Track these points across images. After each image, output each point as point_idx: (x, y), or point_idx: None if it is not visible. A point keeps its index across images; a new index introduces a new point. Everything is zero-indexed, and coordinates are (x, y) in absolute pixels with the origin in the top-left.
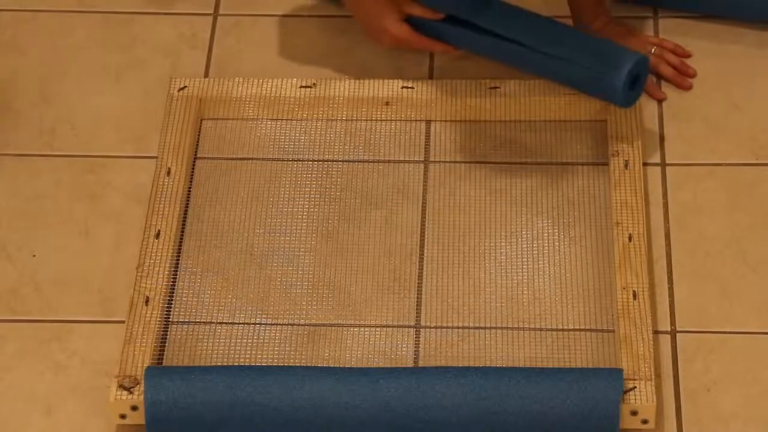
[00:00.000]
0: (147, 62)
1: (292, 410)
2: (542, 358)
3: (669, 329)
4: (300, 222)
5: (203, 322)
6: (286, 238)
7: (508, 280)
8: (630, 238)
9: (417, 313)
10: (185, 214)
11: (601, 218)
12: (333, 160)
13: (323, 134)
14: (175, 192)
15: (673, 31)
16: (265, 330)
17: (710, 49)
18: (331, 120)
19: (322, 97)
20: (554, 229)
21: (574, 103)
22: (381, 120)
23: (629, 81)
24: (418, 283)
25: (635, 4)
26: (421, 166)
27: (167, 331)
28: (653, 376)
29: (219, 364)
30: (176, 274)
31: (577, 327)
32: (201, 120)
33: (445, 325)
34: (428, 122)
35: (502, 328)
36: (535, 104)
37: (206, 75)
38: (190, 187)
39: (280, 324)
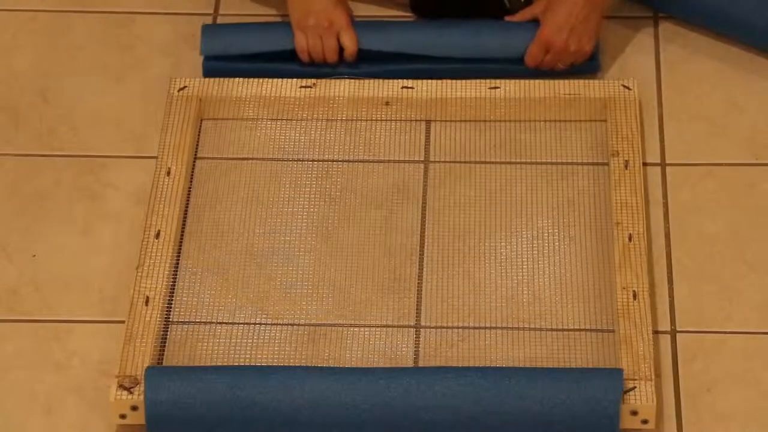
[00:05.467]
0: (147, 62)
1: (292, 410)
2: (542, 358)
3: (669, 329)
4: (300, 222)
5: (203, 322)
6: (286, 238)
7: (508, 280)
8: (630, 238)
9: (417, 313)
10: (185, 214)
11: (601, 218)
12: (333, 160)
13: (323, 134)
14: (175, 192)
15: (673, 31)
16: (265, 330)
17: (710, 49)
18: (331, 120)
19: (322, 97)
20: (554, 229)
21: (574, 103)
22: (381, 120)
23: None
24: (418, 283)
25: (638, 2)
26: (421, 166)
27: (167, 331)
28: (653, 376)
29: (219, 364)
30: (176, 274)
31: (577, 327)
32: (201, 120)
33: (445, 325)
34: (428, 122)
35: (502, 328)
36: (535, 104)
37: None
38: (190, 187)
39: (280, 324)
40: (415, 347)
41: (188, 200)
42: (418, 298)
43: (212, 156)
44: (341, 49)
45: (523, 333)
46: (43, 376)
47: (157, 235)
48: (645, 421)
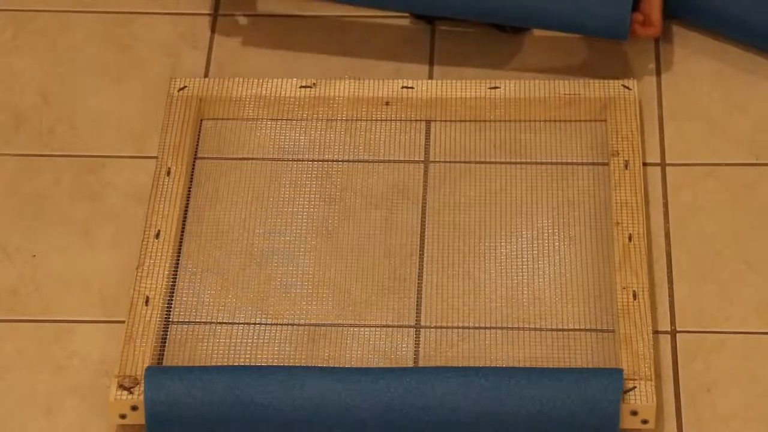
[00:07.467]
0: (147, 62)
1: (292, 410)
2: (542, 358)
3: (669, 329)
4: (300, 222)
5: (203, 322)
6: (286, 238)
7: (508, 280)
8: (630, 238)
9: (417, 313)
10: (185, 214)
11: (601, 218)
12: (333, 160)
13: (323, 134)
14: (175, 192)
15: (673, 31)
16: (265, 330)
17: (710, 49)
18: (331, 120)
19: (322, 97)
20: (554, 229)
21: (574, 103)
22: (381, 120)
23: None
24: (418, 283)
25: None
26: (421, 166)
27: (167, 331)
28: (653, 376)
29: (219, 364)
30: (176, 274)
31: (577, 327)
32: (201, 120)
33: (445, 325)
34: (428, 122)
35: (502, 328)
36: (535, 104)
37: (206, 75)
38: (190, 187)
39: (280, 324)
40: (415, 347)
41: (188, 200)
42: (418, 298)
43: (212, 156)
44: None
45: (523, 333)
46: (43, 376)
47: (157, 235)
48: (645, 421)
